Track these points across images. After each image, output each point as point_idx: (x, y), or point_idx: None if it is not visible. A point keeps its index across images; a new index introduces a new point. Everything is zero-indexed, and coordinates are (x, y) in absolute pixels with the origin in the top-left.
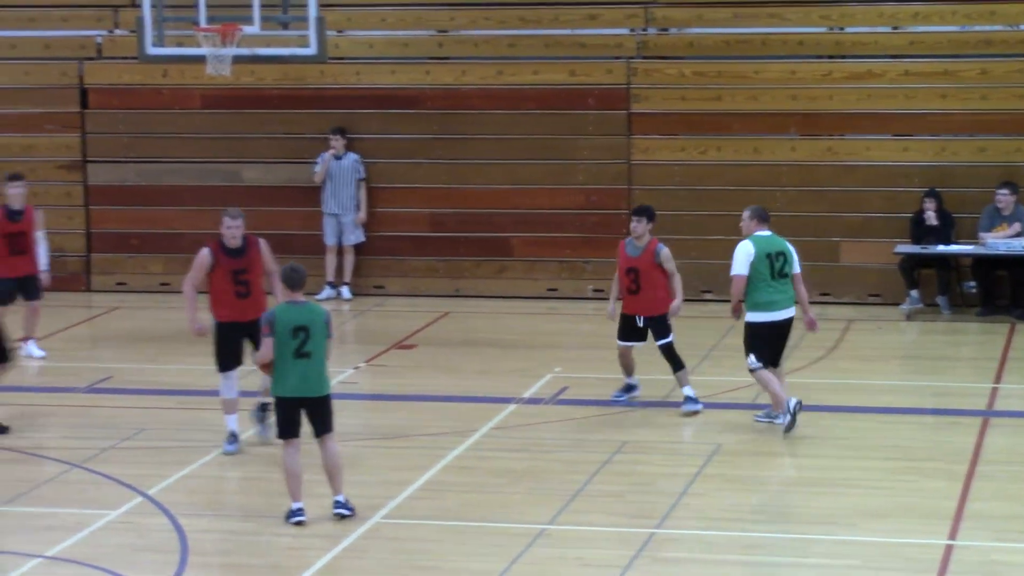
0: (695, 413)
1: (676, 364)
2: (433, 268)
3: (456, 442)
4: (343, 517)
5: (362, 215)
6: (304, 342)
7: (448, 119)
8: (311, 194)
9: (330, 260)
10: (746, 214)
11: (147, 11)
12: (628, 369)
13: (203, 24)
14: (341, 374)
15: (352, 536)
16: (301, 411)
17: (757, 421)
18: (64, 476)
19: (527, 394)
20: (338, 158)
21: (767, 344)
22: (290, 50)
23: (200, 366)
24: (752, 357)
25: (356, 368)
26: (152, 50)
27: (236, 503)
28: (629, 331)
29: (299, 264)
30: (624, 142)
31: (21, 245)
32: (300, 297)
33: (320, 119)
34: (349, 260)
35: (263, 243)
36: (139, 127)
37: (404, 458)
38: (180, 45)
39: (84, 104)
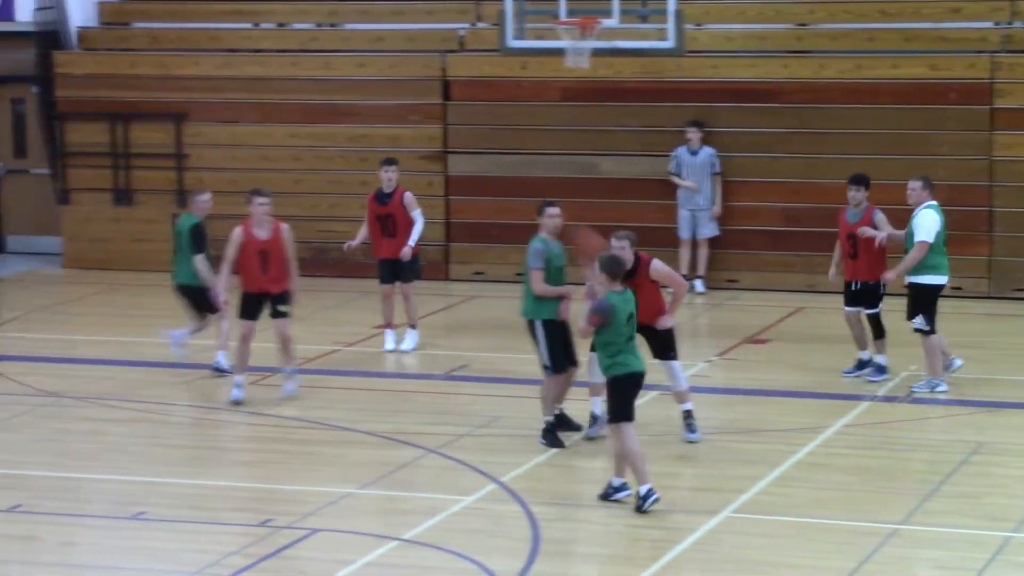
0: (877, 383)
1: (879, 332)
2: (787, 263)
3: (807, 438)
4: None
5: (717, 209)
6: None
7: (805, 113)
8: (667, 187)
9: (684, 253)
10: (918, 184)
11: (509, 4)
12: (860, 341)
13: (563, 17)
14: (693, 367)
15: (701, 530)
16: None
17: (915, 391)
18: (420, 461)
19: (881, 392)
20: (693, 152)
21: (935, 307)
22: (648, 43)
23: None
24: (922, 319)
25: (708, 362)
26: (513, 43)
27: (587, 492)
28: (851, 296)
29: (617, 255)
30: (986, 138)
31: (391, 227)
32: (618, 285)
33: (677, 112)
34: (703, 254)
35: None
36: (499, 119)
37: (754, 453)
38: (540, 38)
39: (446, 96)
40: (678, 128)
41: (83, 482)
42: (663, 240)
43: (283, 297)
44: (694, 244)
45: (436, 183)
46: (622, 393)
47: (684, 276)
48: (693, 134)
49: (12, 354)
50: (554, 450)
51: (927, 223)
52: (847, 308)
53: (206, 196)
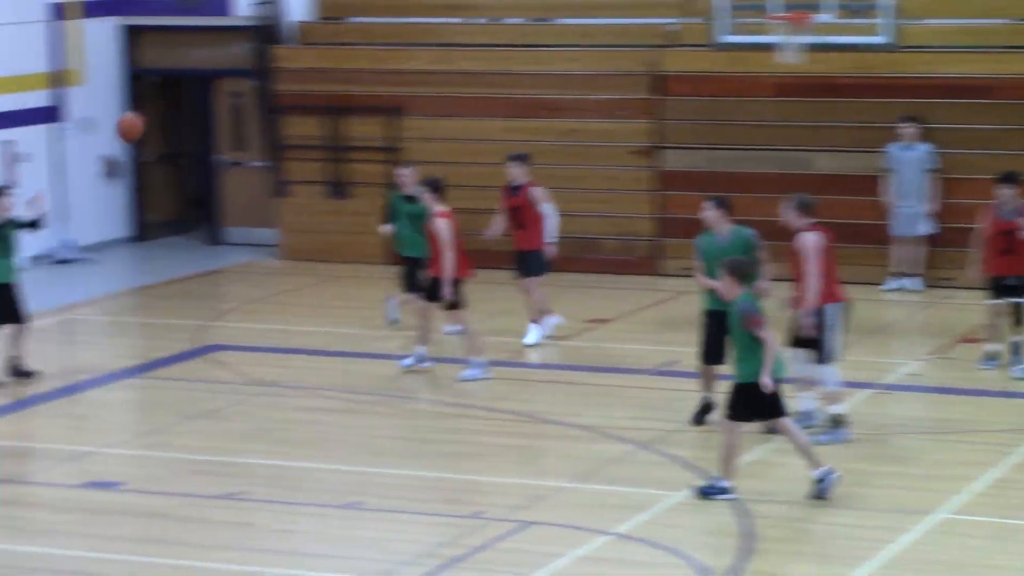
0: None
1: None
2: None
3: (1023, 439)
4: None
5: (932, 206)
6: None
7: (1022, 110)
8: (878, 184)
9: (897, 251)
10: None
11: None
12: (997, 333)
13: (775, 12)
14: (904, 366)
15: (914, 531)
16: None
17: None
18: (631, 456)
19: None
20: (908, 148)
21: None
22: (861, 38)
23: None
24: None
25: (923, 360)
26: (725, 37)
27: (802, 490)
28: (1001, 291)
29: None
30: None
31: (519, 220)
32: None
33: (891, 108)
34: (919, 251)
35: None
36: (712, 114)
37: (968, 453)
38: (752, 33)
39: (660, 91)
40: (892, 124)
41: (299, 471)
42: (873, 237)
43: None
44: (909, 241)
45: (644, 178)
46: (747, 396)
47: (896, 274)
48: (906, 130)
49: (230, 344)
50: (771, 447)
51: None
52: (995, 301)
53: (406, 171)
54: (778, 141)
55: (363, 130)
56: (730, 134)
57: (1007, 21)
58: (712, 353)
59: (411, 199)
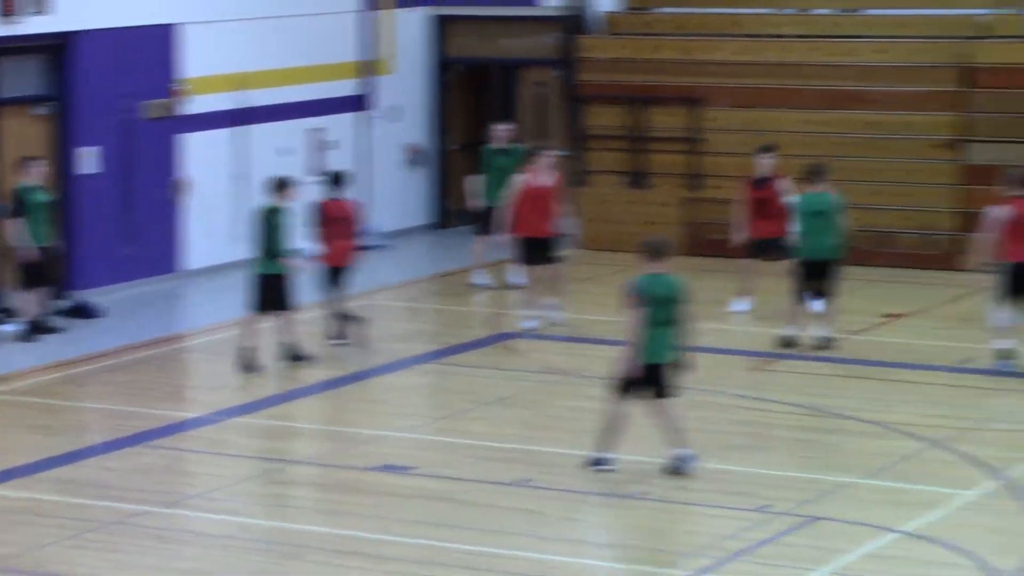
0: None
1: None
2: None
3: None
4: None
5: None
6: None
7: None
8: None
9: None
10: None
11: None
12: None
13: None
14: None
15: None
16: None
17: None
18: (924, 453)
19: None
20: None
21: None
22: None
23: None
24: None
25: None
26: None
27: None
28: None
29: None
30: None
31: (765, 210)
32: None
33: None
34: None
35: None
36: (1021, 107)
37: None
38: None
39: (968, 83)
40: None
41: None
42: None
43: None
44: None
45: (947, 171)
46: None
47: None
48: None
49: (523, 331)
50: None
51: None
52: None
53: (504, 127)
54: None
55: (664, 120)
56: None
57: None
58: None
59: (504, 152)
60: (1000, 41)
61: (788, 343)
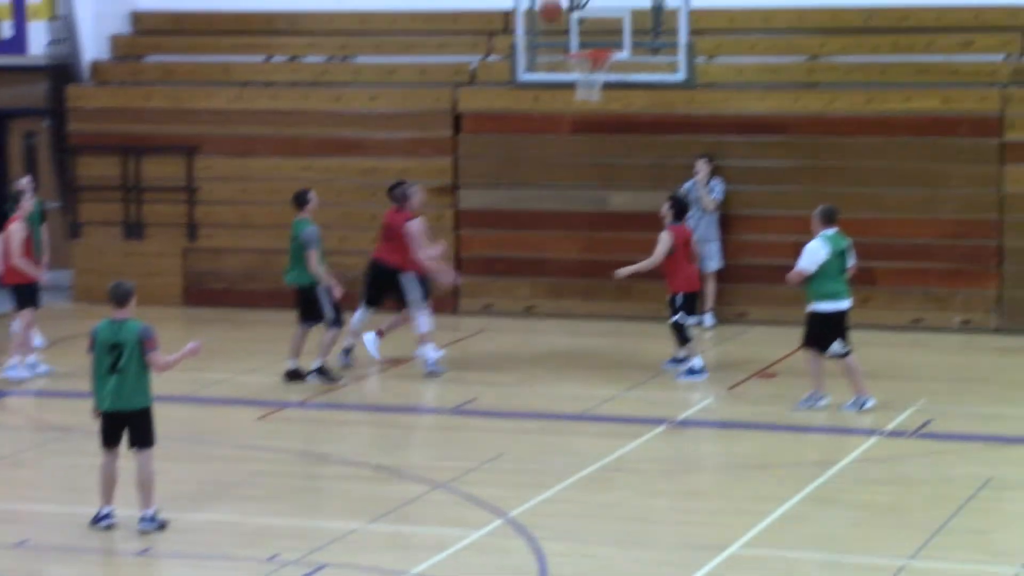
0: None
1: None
2: (797, 297)
3: (816, 473)
4: (146, 532)
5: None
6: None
7: (816, 146)
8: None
9: None
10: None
11: (520, 38)
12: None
13: (574, 50)
14: (702, 401)
15: (708, 566)
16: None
17: (845, 410)
18: (427, 496)
19: (890, 427)
20: (703, 185)
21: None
22: (659, 76)
23: (564, 390)
24: (839, 343)
25: (716, 396)
26: (525, 76)
27: (596, 528)
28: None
29: (125, 281)
30: (996, 171)
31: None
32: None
33: (688, 145)
34: (710, 287)
35: None
36: (510, 152)
37: (763, 487)
38: (552, 71)
39: (457, 129)
40: (690, 161)
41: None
42: None
43: None
44: (701, 278)
45: (446, 216)
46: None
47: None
48: (702, 167)
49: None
50: (561, 485)
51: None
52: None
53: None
54: (574, 179)
55: (159, 170)
56: (527, 172)
57: (802, 59)
58: None
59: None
60: (485, 88)
61: (294, 375)
